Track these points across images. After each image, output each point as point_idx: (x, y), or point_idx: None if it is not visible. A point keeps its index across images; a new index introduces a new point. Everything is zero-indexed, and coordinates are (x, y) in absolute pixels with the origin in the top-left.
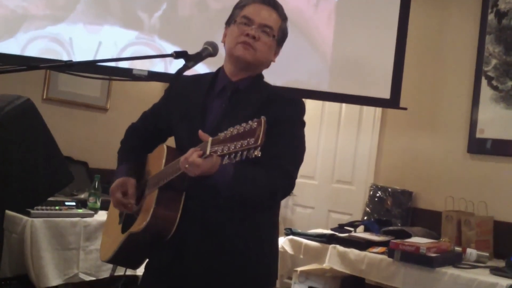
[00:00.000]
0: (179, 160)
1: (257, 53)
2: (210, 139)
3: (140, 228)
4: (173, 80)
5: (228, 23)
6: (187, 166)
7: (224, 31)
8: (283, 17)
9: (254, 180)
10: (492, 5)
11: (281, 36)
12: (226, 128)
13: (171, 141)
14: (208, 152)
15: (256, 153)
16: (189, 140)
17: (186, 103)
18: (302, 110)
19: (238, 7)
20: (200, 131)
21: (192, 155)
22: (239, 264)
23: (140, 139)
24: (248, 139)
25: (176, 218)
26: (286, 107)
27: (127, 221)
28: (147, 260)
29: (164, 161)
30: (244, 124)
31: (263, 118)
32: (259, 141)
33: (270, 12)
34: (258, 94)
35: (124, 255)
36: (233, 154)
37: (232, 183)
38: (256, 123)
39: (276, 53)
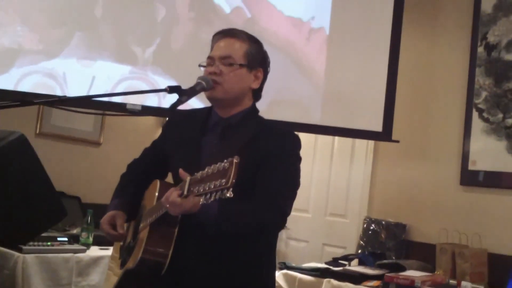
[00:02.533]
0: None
1: (224, 86)
2: (188, 178)
3: (133, 264)
4: (169, 115)
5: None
6: (168, 205)
7: None
8: (251, 40)
9: (239, 216)
10: (481, 38)
11: (250, 60)
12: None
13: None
14: (185, 192)
15: (228, 194)
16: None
17: (181, 139)
18: (296, 143)
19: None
20: (180, 170)
21: (172, 194)
22: (231, 277)
23: (139, 174)
24: (220, 180)
25: (169, 253)
26: (280, 140)
27: (125, 255)
28: None
29: (156, 196)
30: (218, 164)
31: (235, 158)
32: (230, 183)
33: (228, 41)
34: (249, 128)
35: None
36: (208, 194)
37: (216, 220)
38: (228, 163)
39: (257, 77)
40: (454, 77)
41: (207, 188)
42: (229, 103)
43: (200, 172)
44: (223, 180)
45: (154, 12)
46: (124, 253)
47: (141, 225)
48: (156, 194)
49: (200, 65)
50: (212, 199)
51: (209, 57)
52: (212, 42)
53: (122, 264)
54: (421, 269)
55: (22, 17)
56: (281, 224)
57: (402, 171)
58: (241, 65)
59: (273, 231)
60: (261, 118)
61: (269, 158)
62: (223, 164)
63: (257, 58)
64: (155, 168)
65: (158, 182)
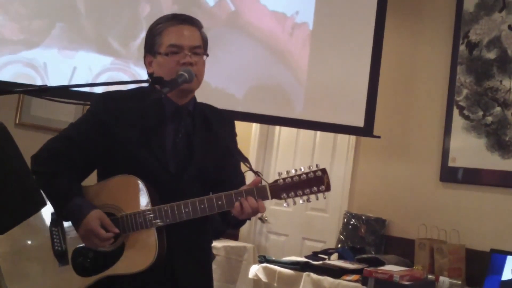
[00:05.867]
0: (216, 199)
1: (198, 77)
2: (267, 185)
3: (142, 268)
4: (99, 102)
5: (152, 52)
6: (251, 212)
7: (148, 59)
8: (201, 27)
9: None
10: (463, 36)
11: (205, 48)
12: (198, 155)
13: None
14: (270, 198)
15: (324, 197)
16: (160, 168)
17: (139, 128)
18: None
19: (156, 34)
20: (257, 178)
21: (259, 203)
22: (208, 270)
23: (72, 166)
24: (318, 186)
25: (164, 251)
26: (233, 126)
27: (80, 261)
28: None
29: (148, 198)
30: (305, 172)
31: (324, 168)
32: (330, 188)
33: (191, 30)
34: (208, 116)
35: None
36: (301, 198)
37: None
38: (320, 172)
39: (204, 65)
40: (435, 75)
41: (303, 192)
42: (193, 92)
43: (280, 179)
44: (322, 186)
45: (138, 5)
46: (77, 258)
47: (126, 228)
48: (147, 196)
49: (165, 54)
50: (302, 202)
51: (175, 46)
52: (167, 28)
53: (82, 271)
54: (400, 264)
55: (3, 6)
56: None
57: (382, 167)
58: (203, 55)
59: None
60: (201, 103)
61: (233, 143)
62: (312, 172)
63: (207, 46)
64: (86, 161)
65: (139, 182)
